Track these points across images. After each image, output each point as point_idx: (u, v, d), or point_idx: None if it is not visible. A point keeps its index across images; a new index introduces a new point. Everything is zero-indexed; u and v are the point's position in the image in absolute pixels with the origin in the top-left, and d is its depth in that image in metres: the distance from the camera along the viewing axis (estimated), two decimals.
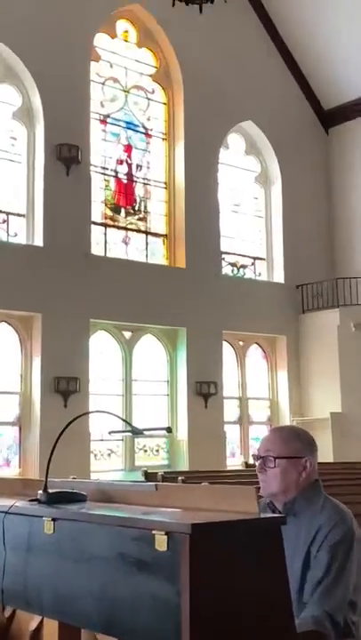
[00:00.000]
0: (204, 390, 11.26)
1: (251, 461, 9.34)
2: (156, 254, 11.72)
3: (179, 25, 11.52)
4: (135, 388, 11.00)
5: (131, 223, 11.55)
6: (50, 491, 2.11)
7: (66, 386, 9.74)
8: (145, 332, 11.27)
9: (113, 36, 11.65)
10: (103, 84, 11.51)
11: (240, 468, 9.81)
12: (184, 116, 11.91)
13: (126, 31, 11.86)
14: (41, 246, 9.96)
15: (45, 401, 9.61)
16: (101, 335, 10.79)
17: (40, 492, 2.12)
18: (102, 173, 11.31)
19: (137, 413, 10.81)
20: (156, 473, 7.98)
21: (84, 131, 10.64)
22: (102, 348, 10.78)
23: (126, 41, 11.84)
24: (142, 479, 7.91)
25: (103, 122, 11.45)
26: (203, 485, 2.43)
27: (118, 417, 2.60)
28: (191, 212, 11.67)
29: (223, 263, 12.42)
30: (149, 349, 11.30)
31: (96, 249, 10.86)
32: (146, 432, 2.52)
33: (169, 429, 10.34)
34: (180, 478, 7.33)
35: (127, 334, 11.10)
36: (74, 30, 10.62)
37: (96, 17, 11.08)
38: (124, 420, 2.67)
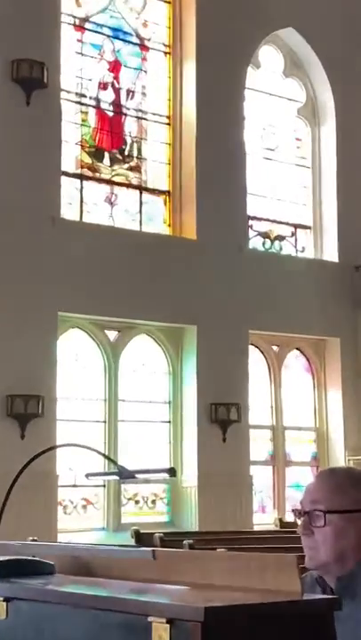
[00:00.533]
0: (222, 416, 11.26)
1: (289, 518, 9.34)
2: (155, 220, 11.72)
3: None
4: (123, 412, 11.00)
5: (118, 175, 11.54)
6: (1, 558, 2.12)
7: (23, 407, 9.75)
8: (137, 332, 11.28)
9: None
10: None
11: (273, 527, 9.83)
12: (196, 21, 11.89)
13: None
14: None
15: None
16: (75, 335, 10.81)
17: None
18: (78, 102, 11.30)
19: (125, 448, 10.83)
20: (153, 534, 8.00)
21: (51, 41, 10.64)
22: (76, 353, 10.79)
23: None
24: (133, 543, 7.92)
25: (79, 28, 11.45)
26: (219, 552, 2.44)
27: (99, 452, 2.61)
28: (205, 158, 11.66)
29: (251, 233, 12.41)
30: (143, 356, 11.31)
31: (68, 211, 10.87)
32: (138, 475, 2.53)
33: (171, 471, 10.32)
34: (186, 542, 7.35)
35: (112, 334, 11.11)
36: None
37: None
38: (106, 458, 2.65)
